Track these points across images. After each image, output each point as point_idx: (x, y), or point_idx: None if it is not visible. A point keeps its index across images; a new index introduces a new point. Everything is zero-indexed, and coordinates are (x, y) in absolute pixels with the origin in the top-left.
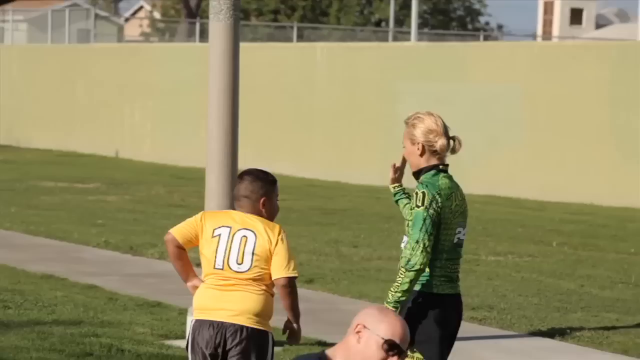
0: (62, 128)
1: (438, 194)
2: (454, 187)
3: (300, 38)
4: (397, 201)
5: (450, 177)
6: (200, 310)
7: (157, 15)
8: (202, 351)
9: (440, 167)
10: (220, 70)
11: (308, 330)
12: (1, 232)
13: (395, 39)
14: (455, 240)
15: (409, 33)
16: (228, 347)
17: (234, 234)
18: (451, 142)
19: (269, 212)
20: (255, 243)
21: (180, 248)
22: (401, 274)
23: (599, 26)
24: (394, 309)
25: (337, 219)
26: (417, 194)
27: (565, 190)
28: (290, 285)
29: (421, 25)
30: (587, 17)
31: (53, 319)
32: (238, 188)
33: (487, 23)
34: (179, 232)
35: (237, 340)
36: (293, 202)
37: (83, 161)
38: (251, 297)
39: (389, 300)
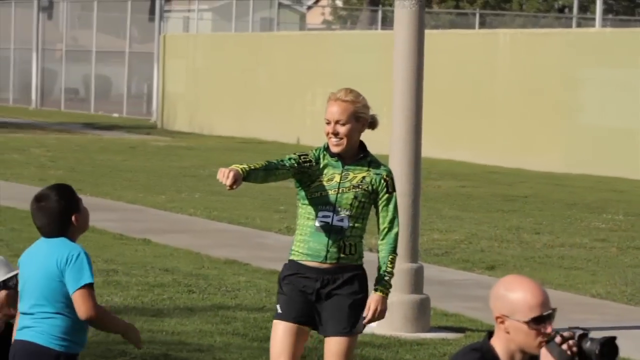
0: (243, 115)
1: None
2: None
3: (483, 25)
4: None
5: None
6: None
7: (339, 3)
8: None
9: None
10: (405, 57)
11: (490, 316)
12: (185, 218)
13: (578, 25)
14: None
15: (593, 19)
16: None
17: None
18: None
19: None
20: None
21: None
22: (395, 257)
23: None
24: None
25: (518, 206)
26: (392, 179)
27: None
28: None
29: (606, 11)
30: None
31: (236, 304)
32: None
33: None
34: None
35: None
36: (473, 189)
37: (264, 147)
38: None
39: (390, 283)
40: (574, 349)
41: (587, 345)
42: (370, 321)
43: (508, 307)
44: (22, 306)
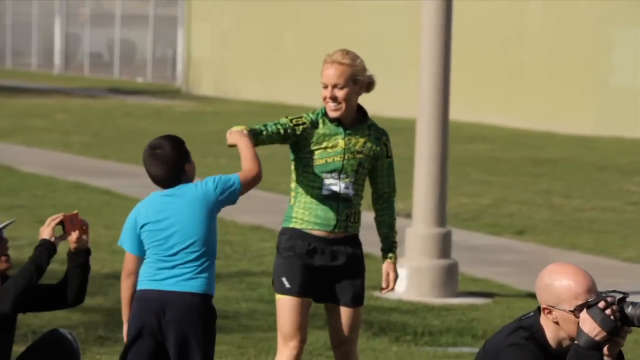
0: (269, 79)
1: None
2: None
3: None
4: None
5: None
6: None
7: None
8: None
9: None
10: (433, 19)
11: (519, 281)
12: None
13: None
14: None
15: None
16: None
17: None
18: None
19: None
20: None
21: None
22: (396, 221)
23: None
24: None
25: (548, 169)
26: (390, 142)
27: None
28: None
29: None
30: None
31: (262, 270)
32: None
33: None
34: None
35: None
36: (502, 152)
37: (290, 112)
38: None
39: (396, 255)
40: (617, 314)
41: (630, 309)
42: (391, 290)
43: (553, 297)
44: (179, 258)
